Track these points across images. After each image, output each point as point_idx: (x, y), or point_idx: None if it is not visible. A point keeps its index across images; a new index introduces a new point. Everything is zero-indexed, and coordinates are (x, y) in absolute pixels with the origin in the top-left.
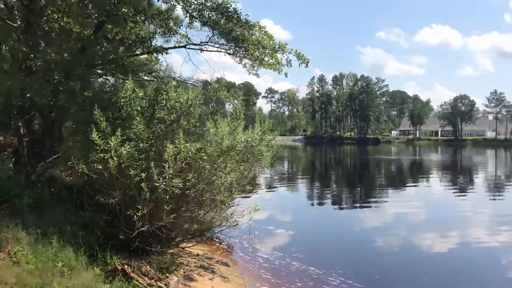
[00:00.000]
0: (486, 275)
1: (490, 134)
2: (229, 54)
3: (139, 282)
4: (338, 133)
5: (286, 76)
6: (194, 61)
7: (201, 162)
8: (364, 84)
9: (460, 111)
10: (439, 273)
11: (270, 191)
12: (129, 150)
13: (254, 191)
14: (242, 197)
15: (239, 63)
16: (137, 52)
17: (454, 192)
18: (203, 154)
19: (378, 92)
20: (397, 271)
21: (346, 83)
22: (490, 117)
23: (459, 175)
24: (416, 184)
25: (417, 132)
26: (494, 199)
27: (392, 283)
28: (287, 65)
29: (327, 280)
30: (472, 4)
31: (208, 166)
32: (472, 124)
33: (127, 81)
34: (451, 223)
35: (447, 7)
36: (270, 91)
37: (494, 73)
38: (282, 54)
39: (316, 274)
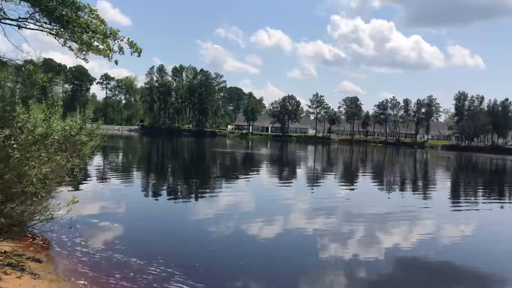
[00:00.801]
0: (302, 256)
1: (311, 132)
2: (52, 34)
3: None
4: (177, 125)
5: (117, 64)
6: (16, 38)
7: (10, 150)
8: (203, 78)
9: (287, 110)
10: (260, 257)
11: (101, 182)
12: None
13: (78, 182)
14: (70, 188)
15: (63, 45)
16: None
17: (279, 182)
18: (12, 142)
19: (217, 87)
20: (218, 257)
21: (186, 75)
22: (312, 116)
23: (285, 167)
24: (247, 175)
25: (251, 127)
26: (312, 189)
27: (211, 267)
28: (119, 53)
29: (147, 269)
30: (302, 14)
31: (18, 155)
32: (297, 122)
33: None
34: (276, 211)
35: (280, 12)
36: (106, 77)
37: (316, 77)
38: (114, 40)
39: (137, 264)
